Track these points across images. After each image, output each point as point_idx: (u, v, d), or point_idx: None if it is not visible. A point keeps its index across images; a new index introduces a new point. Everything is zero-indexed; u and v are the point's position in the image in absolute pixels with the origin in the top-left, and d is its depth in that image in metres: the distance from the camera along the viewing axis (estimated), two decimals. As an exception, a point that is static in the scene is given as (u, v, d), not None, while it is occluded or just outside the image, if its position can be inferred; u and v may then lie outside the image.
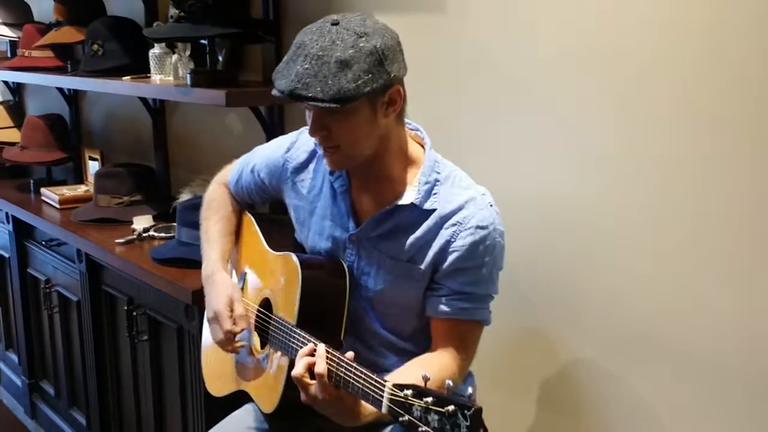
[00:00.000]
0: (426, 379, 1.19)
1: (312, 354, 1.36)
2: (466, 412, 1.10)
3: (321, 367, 1.33)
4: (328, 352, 1.34)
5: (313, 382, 1.34)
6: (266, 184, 1.74)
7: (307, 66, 1.35)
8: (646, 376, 1.69)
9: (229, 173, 1.85)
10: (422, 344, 1.56)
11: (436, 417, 1.13)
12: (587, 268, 1.76)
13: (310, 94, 1.34)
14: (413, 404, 1.16)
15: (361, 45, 1.36)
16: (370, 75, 1.36)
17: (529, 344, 1.91)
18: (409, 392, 1.17)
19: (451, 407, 1.11)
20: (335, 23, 1.39)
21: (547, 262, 1.84)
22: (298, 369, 1.35)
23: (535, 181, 1.83)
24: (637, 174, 1.64)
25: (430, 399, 1.14)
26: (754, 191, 1.48)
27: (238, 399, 1.73)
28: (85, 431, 2.91)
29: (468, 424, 1.10)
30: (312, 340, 1.41)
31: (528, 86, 1.81)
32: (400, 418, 1.17)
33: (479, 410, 1.10)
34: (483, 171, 1.87)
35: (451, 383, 1.16)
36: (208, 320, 1.67)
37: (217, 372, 1.81)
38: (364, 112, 1.41)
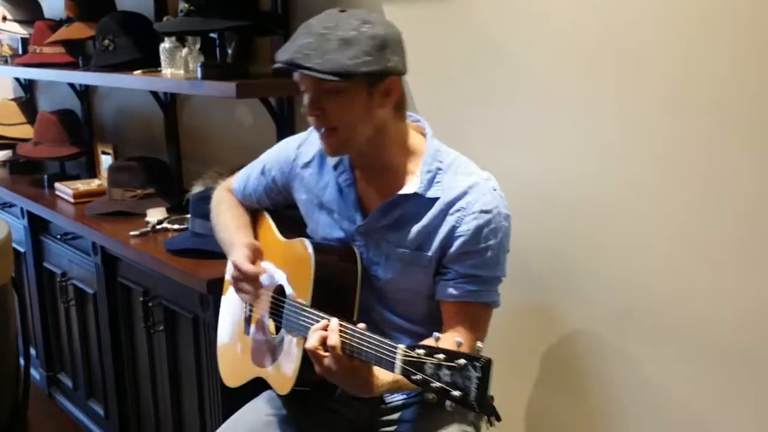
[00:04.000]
0: (437, 338, 1.23)
1: (325, 328, 1.39)
2: (476, 363, 1.13)
3: (334, 340, 1.35)
4: (341, 324, 1.37)
5: (327, 354, 1.36)
6: (277, 183, 1.76)
7: (310, 40, 1.41)
8: (651, 354, 1.70)
9: (234, 182, 1.87)
10: (433, 327, 1.57)
11: (447, 372, 1.16)
12: (593, 250, 1.77)
13: (308, 65, 1.39)
14: (425, 362, 1.19)
15: (364, 30, 1.43)
16: (369, 57, 1.42)
17: (537, 324, 1.93)
18: (421, 351, 1.20)
19: (461, 360, 1.14)
20: (342, 10, 1.45)
21: (554, 245, 1.85)
22: (312, 342, 1.38)
23: (543, 167, 1.84)
24: (642, 157, 1.65)
25: (441, 355, 1.17)
26: (758, 172, 1.49)
27: (255, 388, 1.75)
28: (103, 422, 2.96)
29: (479, 375, 1.13)
30: (324, 315, 1.43)
31: (535, 75, 1.82)
32: (413, 377, 1.20)
33: (489, 361, 1.13)
34: (491, 158, 1.89)
35: (461, 340, 1.20)
36: (233, 280, 1.66)
37: (232, 361, 1.84)
38: (360, 96, 1.46)
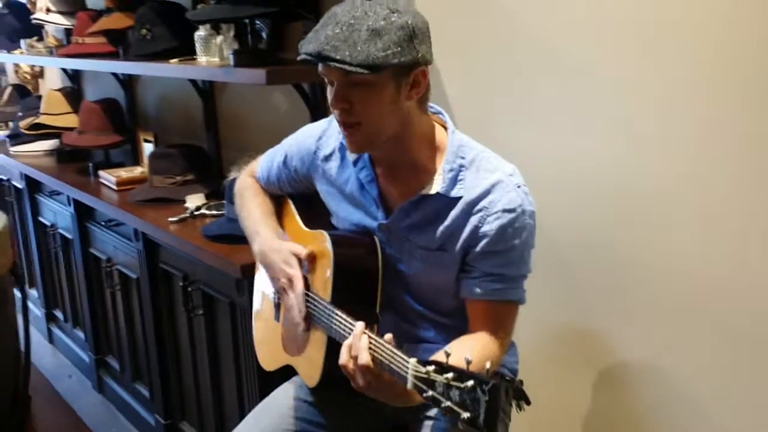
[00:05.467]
0: (447, 354, 1.19)
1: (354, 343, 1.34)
2: (484, 387, 1.10)
3: (365, 359, 1.31)
4: (370, 339, 1.33)
5: (360, 371, 1.33)
6: (298, 173, 1.74)
7: (337, 31, 1.36)
8: (691, 343, 1.67)
9: (257, 168, 1.86)
10: (461, 319, 1.57)
11: (457, 392, 1.13)
12: (629, 235, 1.75)
13: (338, 57, 1.34)
14: (435, 380, 1.16)
15: (393, 19, 1.37)
16: (399, 48, 1.37)
17: (571, 314, 1.91)
18: (431, 368, 1.18)
19: (470, 383, 1.12)
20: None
21: (587, 230, 1.83)
22: (343, 359, 1.35)
23: (573, 147, 1.82)
24: (677, 136, 1.62)
25: (450, 375, 1.15)
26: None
27: (291, 370, 1.77)
28: (149, 404, 3.03)
29: (487, 399, 1.09)
30: (349, 321, 1.42)
31: (562, 50, 1.80)
32: (424, 394, 1.19)
33: (496, 386, 1.10)
34: (519, 139, 1.87)
35: (489, 365, 1.16)
36: (280, 290, 1.65)
37: (267, 346, 1.86)
38: (388, 88, 1.41)
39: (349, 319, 1.43)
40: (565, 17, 1.78)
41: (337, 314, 1.48)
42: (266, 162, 1.84)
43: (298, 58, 1.41)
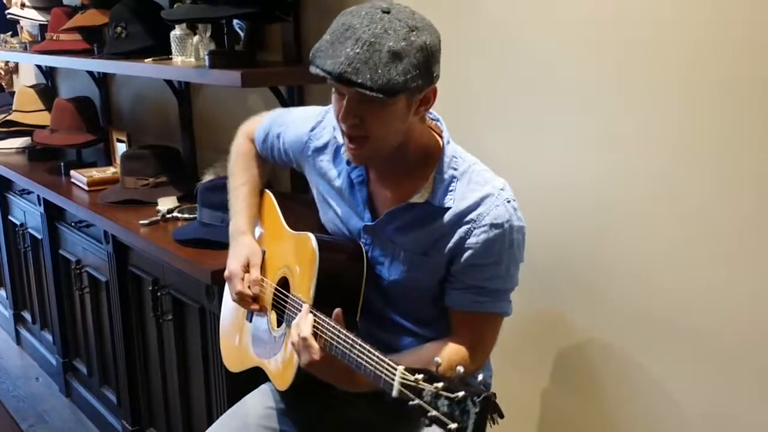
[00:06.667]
0: (437, 364, 1.18)
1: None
2: (476, 398, 1.10)
3: (305, 331, 1.39)
4: (314, 316, 1.41)
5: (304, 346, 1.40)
6: (290, 156, 1.74)
7: (358, 51, 1.30)
8: (663, 356, 1.65)
9: (256, 129, 1.84)
10: (437, 330, 1.55)
11: (446, 402, 1.12)
12: (604, 248, 1.73)
13: (359, 80, 1.30)
14: (423, 389, 1.15)
15: (413, 39, 1.33)
16: (417, 71, 1.33)
17: (548, 325, 1.89)
18: (420, 376, 1.17)
19: (461, 393, 1.11)
20: (386, 11, 1.35)
21: (564, 243, 1.81)
22: (293, 337, 1.42)
23: (553, 159, 1.80)
24: (654, 151, 1.60)
25: (440, 384, 1.14)
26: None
27: (260, 376, 1.73)
28: (116, 409, 2.97)
29: (477, 410, 1.09)
30: (325, 320, 1.41)
31: (545, 63, 1.77)
32: (410, 402, 1.17)
33: (488, 397, 1.10)
34: (501, 150, 1.85)
35: (462, 369, 1.16)
36: (225, 278, 1.70)
37: (234, 347, 1.83)
38: (400, 106, 1.38)
39: (325, 318, 1.42)
40: (548, 28, 1.76)
41: (317, 316, 1.45)
42: (266, 126, 1.81)
43: (312, 70, 1.36)
